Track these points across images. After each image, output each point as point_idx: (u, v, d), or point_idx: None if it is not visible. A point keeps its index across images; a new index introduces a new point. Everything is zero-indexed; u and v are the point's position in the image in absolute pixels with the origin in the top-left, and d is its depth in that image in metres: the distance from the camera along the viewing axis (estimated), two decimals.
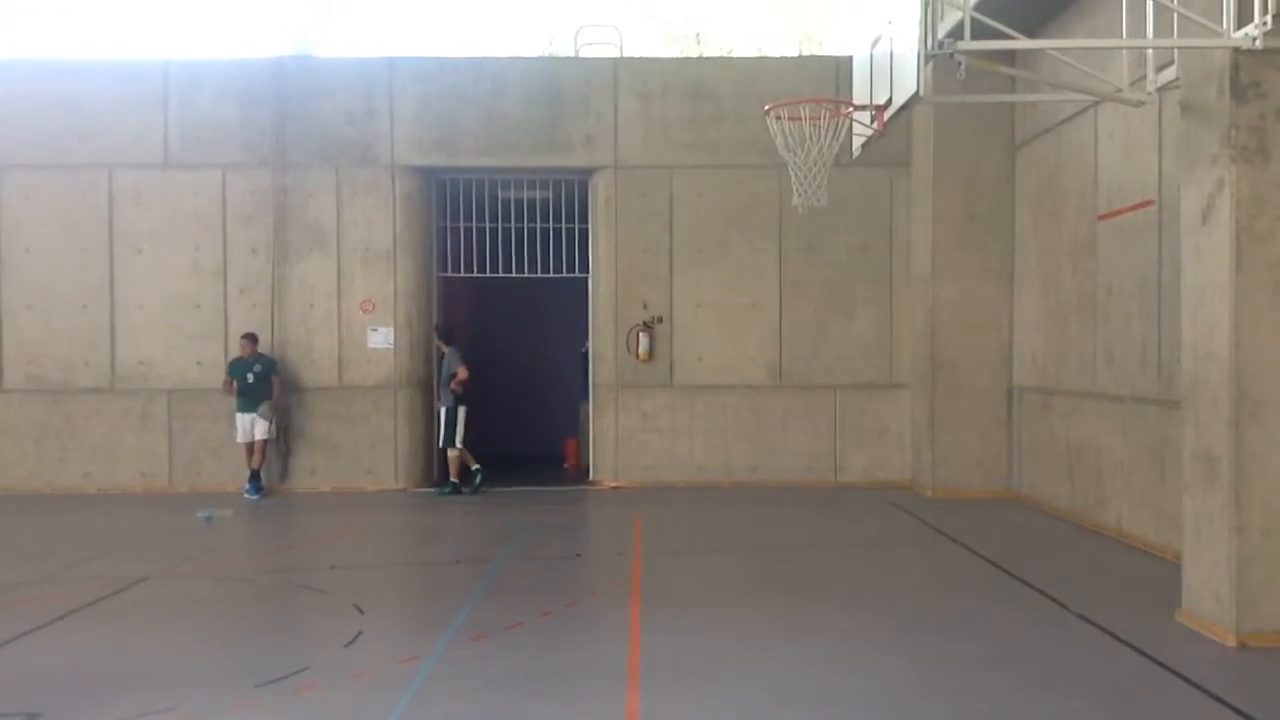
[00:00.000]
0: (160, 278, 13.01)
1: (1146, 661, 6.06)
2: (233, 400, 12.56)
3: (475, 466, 12.65)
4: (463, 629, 6.75)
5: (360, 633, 6.69)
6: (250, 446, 12.55)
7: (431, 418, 13.21)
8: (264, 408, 12.46)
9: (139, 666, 6.10)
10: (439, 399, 12.84)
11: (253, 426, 12.48)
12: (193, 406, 12.99)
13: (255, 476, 12.49)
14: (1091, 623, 6.82)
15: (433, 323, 13.21)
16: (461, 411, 12.58)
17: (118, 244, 13.03)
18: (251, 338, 12.57)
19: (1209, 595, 6.50)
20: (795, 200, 8.58)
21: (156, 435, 13.02)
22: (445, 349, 12.73)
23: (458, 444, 12.60)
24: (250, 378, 12.48)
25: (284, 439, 12.92)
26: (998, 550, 9.20)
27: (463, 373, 12.57)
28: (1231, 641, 6.25)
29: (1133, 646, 6.31)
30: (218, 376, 12.93)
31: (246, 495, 12.42)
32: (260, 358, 12.58)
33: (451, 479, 12.64)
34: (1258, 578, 6.25)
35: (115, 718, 5.20)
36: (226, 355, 12.98)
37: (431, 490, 12.85)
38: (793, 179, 8.49)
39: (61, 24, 34.41)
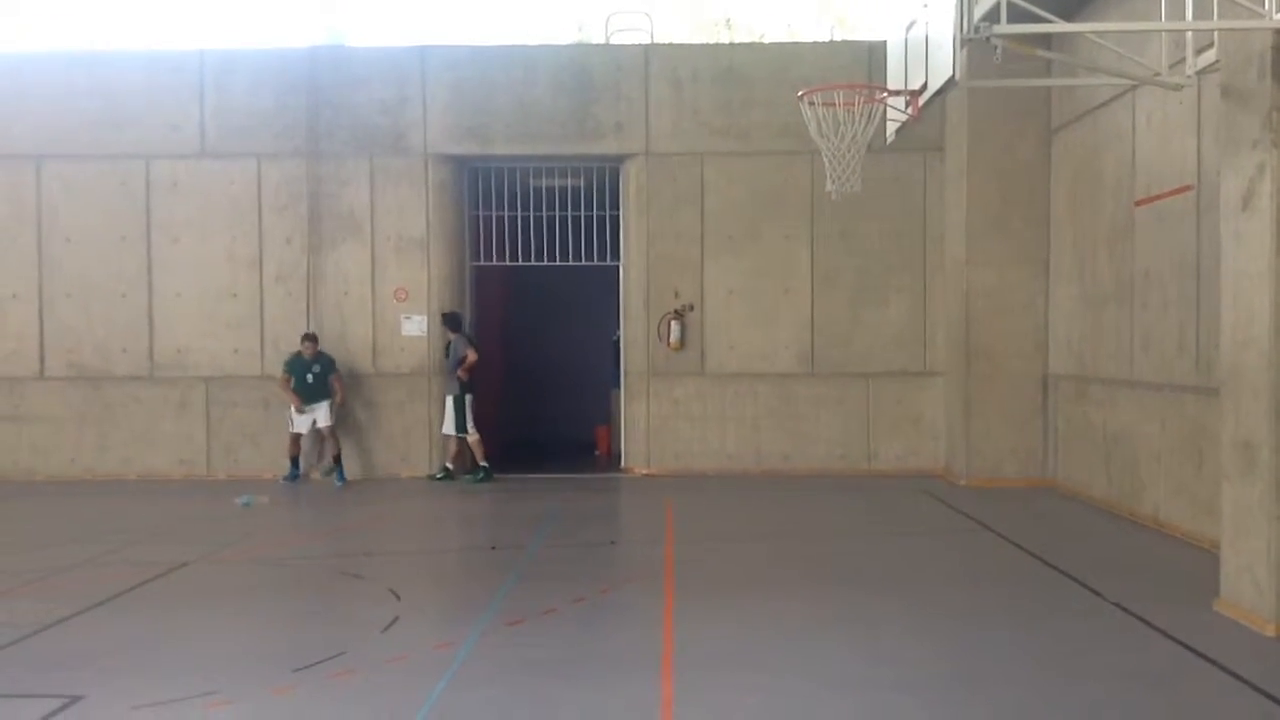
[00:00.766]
0: (197, 266, 13.15)
1: (1184, 651, 6.01)
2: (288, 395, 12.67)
3: (470, 462, 12.69)
4: (498, 614, 6.81)
5: (397, 618, 6.76)
6: (297, 438, 12.69)
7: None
8: (328, 409, 12.58)
9: (179, 650, 6.20)
10: (447, 387, 12.81)
11: (312, 420, 12.62)
12: (230, 394, 13.14)
13: (295, 463, 12.70)
14: (1128, 612, 6.77)
15: (449, 310, 13.03)
16: (469, 399, 12.65)
17: (155, 233, 13.18)
18: (312, 338, 12.66)
19: (1248, 584, 6.44)
20: (829, 186, 8.54)
21: (194, 422, 13.18)
22: (452, 336, 12.76)
23: (470, 429, 12.65)
24: (310, 378, 12.58)
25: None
26: (1032, 539, 9.14)
27: (472, 356, 12.63)
28: (1271, 631, 6.18)
29: (1170, 636, 6.26)
30: (254, 364, 13.08)
31: (285, 481, 12.58)
32: (320, 357, 12.67)
33: (481, 463, 12.69)
34: None
35: (156, 700, 5.29)
36: (263, 343, 13.12)
37: (437, 477, 12.80)
38: (826, 165, 8.45)
39: (97, 15, 34.76)
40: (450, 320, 12.86)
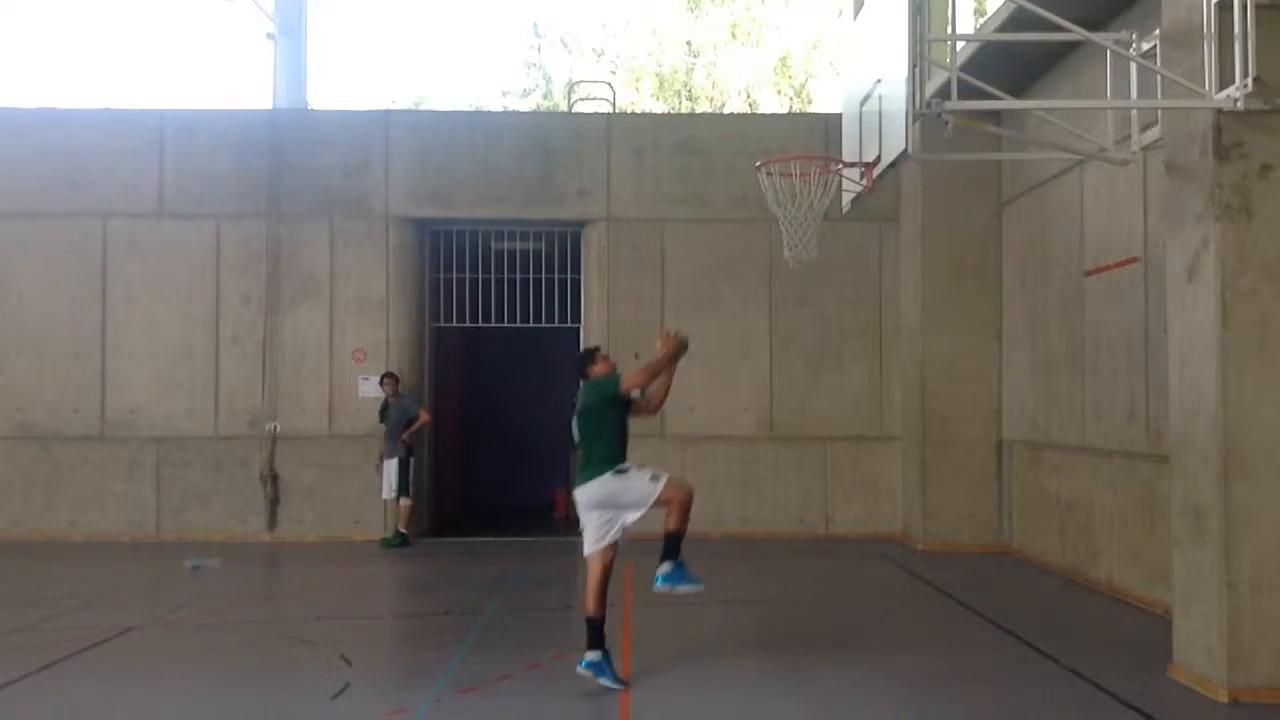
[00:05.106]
0: (152, 326, 13.02)
1: (1139, 717, 6.04)
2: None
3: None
4: (452, 681, 6.70)
5: (348, 684, 6.63)
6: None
7: (418, 466, 13.08)
8: (391, 472, 12.45)
9: (123, 719, 6.03)
10: (386, 452, 12.57)
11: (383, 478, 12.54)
12: (182, 455, 12.94)
13: (395, 533, 12.52)
14: (1084, 678, 6.80)
15: (391, 371, 12.89)
16: (411, 462, 12.58)
17: (110, 292, 13.06)
18: (390, 377, 12.61)
19: (1200, 650, 6.50)
20: (786, 254, 8.67)
21: (145, 484, 12.94)
22: (392, 399, 12.66)
23: (409, 494, 12.55)
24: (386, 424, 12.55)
25: (272, 486, 12.85)
26: (990, 604, 9.17)
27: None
28: (1224, 697, 6.24)
29: (1125, 702, 6.29)
30: (208, 425, 12.91)
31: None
32: (397, 401, 12.56)
33: (401, 529, 12.54)
34: (1248, 633, 6.25)
35: None
36: (217, 404, 12.97)
37: (379, 542, 12.59)
38: (783, 233, 8.59)
39: (56, 75, 34.71)
40: (395, 380, 12.73)
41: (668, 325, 7.77)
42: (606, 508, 6.70)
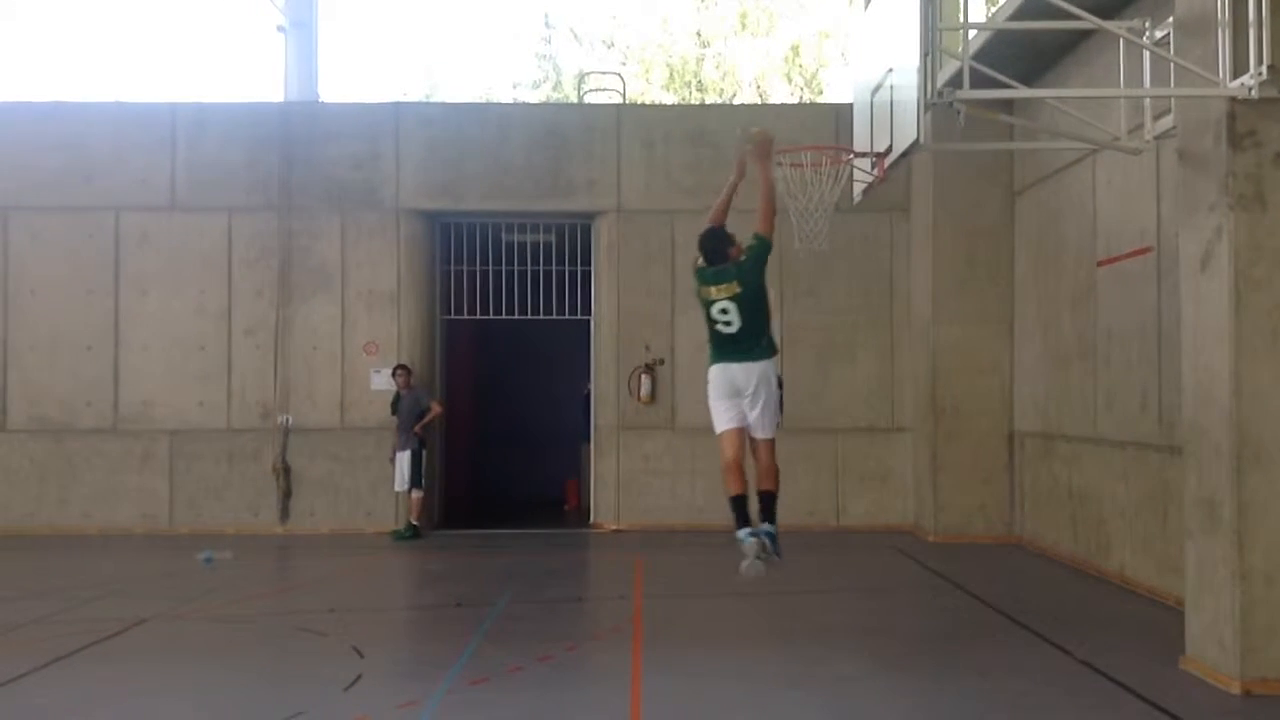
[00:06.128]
0: (165, 319, 13.06)
1: (1151, 709, 6.01)
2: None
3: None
4: (463, 673, 6.72)
5: (360, 676, 6.65)
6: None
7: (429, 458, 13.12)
8: (404, 463, 12.50)
9: (132, 711, 6.07)
10: (399, 444, 12.61)
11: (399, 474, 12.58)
12: (194, 447, 12.99)
13: (408, 524, 12.56)
14: (1096, 670, 6.78)
15: (404, 363, 12.90)
16: (424, 454, 12.62)
17: (123, 286, 13.10)
18: (403, 369, 12.65)
19: (1213, 642, 6.47)
20: (797, 245, 8.64)
21: (158, 476, 13.00)
22: (404, 391, 12.68)
23: (422, 485, 12.59)
24: (396, 414, 12.59)
25: (284, 478, 12.90)
26: (1001, 596, 9.15)
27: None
28: (1236, 689, 6.21)
29: (1137, 694, 6.27)
30: (220, 417, 12.96)
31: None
32: (410, 392, 12.60)
33: (413, 521, 12.57)
34: (1261, 624, 6.22)
35: None
36: (230, 397, 13.01)
37: (391, 534, 12.62)
38: (794, 224, 8.56)
39: (68, 69, 34.82)
40: (407, 373, 12.76)
41: (746, 131, 7.33)
42: (756, 394, 6.51)
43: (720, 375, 6.59)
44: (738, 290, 6.54)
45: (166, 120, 13.20)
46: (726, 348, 6.60)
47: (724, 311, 6.56)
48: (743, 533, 6.37)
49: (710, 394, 6.65)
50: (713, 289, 6.60)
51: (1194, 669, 6.63)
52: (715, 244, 6.77)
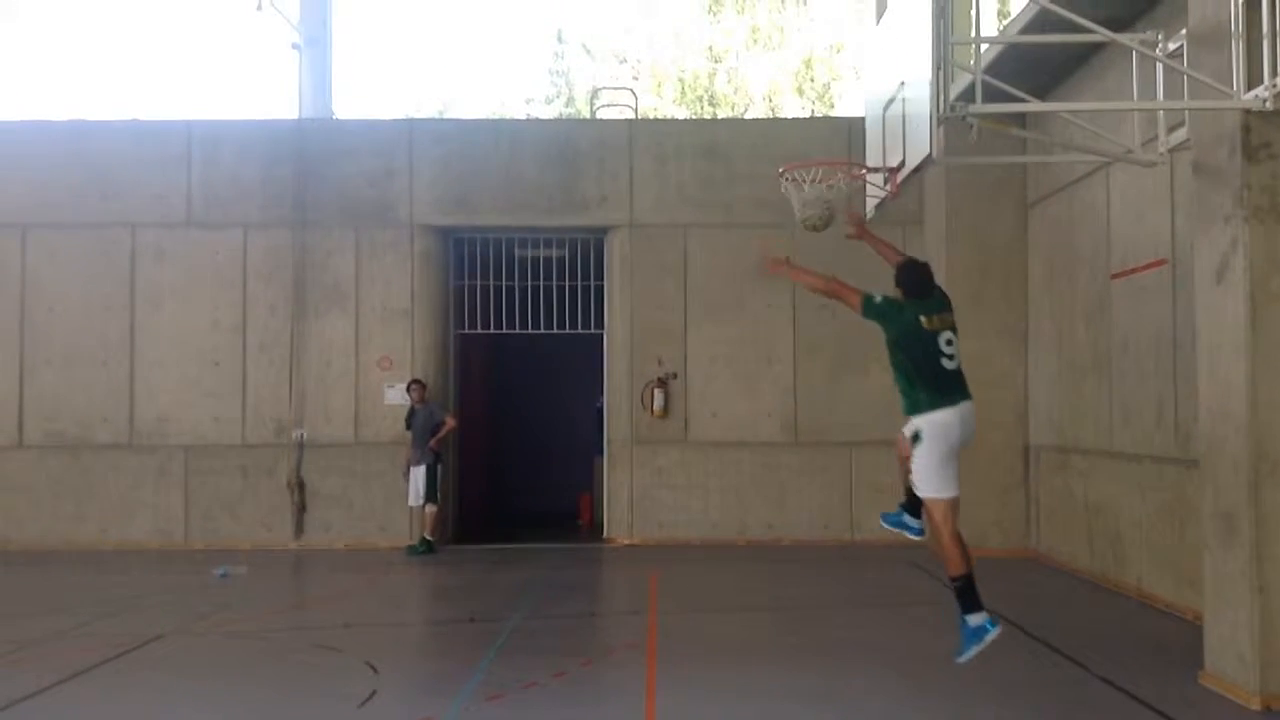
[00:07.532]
0: (180, 335, 13.13)
1: None
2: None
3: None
4: (478, 688, 6.71)
5: (374, 692, 6.65)
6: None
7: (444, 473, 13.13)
8: (419, 479, 12.53)
9: None
10: (414, 459, 12.62)
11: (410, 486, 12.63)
12: (209, 462, 13.04)
13: (422, 540, 12.55)
14: (1114, 685, 6.73)
15: (419, 378, 12.94)
16: (439, 468, 12.64)
17: (139, 301, 13.18)
18: (417, 384, 12.69)
19: (1231, 657, 6.42)
20: (798, 216, 8.48)
21: (173, 492, 13.05)
22: (419, 405, 12.70)
23: (437, 500, 12.60)
24: (412, 430, 12.63)
25: (299, 493, 12.93)
26: (1017, 611, 9.08)
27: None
28: (1256, 705, 6.15)
29: (1156, 710, 6.22)
30: (235, 432, 13.01)
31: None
32: (424, 407, 12.64)
33: (427, 536, 12.57)
34: None
35: None
36: (244, 411, 13.06)
37: (405, 549, 12.61)
38: (793, 203, 8.35)
39: (85, 87, 35.12)
40: (422, 387, 12.78)
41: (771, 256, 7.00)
42: (960, 443, 5.67)
43: (953, 419, 5.75)
44: (953, 321, 5.95)
45: (182, 137, 13.30)
46: (951, 386, 5.84)
47: (949, 343, 5.92)
48: (983, 618, 5.61)
49: (935, 446, 5.80)
50: (935, 318, 6.03)
51: (1213, 684, 6.58)
52: (924, 274, 6.31)
